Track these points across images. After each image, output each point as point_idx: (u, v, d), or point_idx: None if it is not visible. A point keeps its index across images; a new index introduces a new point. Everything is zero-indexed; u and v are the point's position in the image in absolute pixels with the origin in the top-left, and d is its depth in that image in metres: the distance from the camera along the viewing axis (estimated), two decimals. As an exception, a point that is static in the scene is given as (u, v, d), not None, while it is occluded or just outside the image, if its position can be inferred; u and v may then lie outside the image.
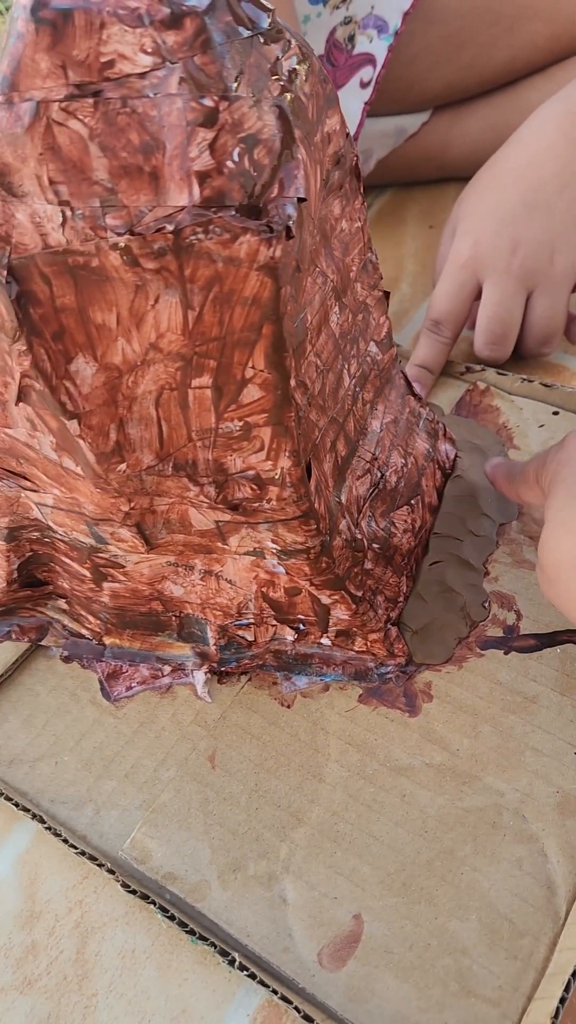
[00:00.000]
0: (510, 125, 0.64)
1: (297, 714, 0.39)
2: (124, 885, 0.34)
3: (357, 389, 0.38)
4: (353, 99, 0.60)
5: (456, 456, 0.47)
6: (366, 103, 0.60)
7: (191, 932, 0.33)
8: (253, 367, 0.29)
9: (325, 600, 0.37)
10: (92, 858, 0.35)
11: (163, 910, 0.33)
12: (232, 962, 0.32)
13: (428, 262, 0.65)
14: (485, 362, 0.53)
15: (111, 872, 0.35)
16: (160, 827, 0.36)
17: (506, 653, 0.40)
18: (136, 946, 0.34)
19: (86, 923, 0.35)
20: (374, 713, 0.38)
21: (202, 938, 0.33)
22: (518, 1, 0.62)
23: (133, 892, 0.34)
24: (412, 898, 0.33)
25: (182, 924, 0.33)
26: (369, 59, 0.60)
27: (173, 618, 0.40)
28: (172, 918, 0.33)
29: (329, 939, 0.33)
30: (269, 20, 0.28)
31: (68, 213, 0.26)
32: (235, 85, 0.26)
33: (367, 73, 0.60)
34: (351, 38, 0.59)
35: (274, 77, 0.28)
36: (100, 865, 0.35)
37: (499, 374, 0.51)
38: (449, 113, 0.68)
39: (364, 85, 0.60)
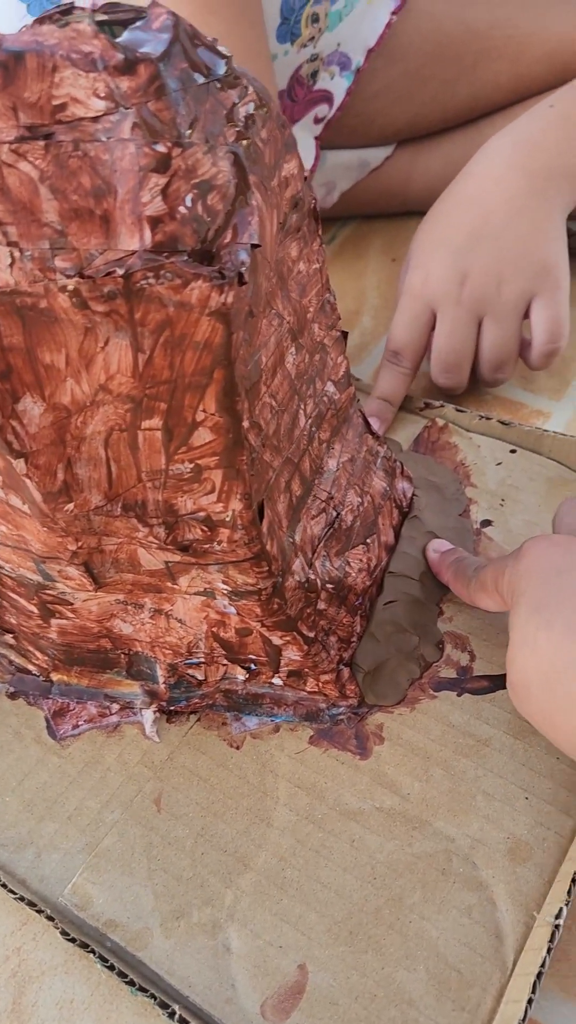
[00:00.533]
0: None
1: (246, 756, 0.38)
2: (63, 933, 0.33)
3: (313, 429, 0.38)
4: (307, 133, 0.60)
5: (414, 494, 0.47)
6: (317, 138, 0.60)
7: (131, 983, 0.32)
8: (204, 410, 0.29)
9: (276, 641, 0.37)
10: (31, 904, 0.34)
11: (103, 959, 0.33)
12: (172, 1015, 0.31)
13: (390, 295, 0.65)
14: (443, 390, 0.53)
15: (51, 919, 0.34)
16: (102, 872, 0.35)
17: (459, 695, 0.40)
18: (75, 996, 0.33)
19: (23, 972, 0.34)
20: (324, 755, 0.38)
21: (142, 989, 0.32)
22: (481, 41, 0.63)
23: (72, 940, 0.33)
24: (359, 947, 0.33)
25: (122, 974, 0.32)
26: (326, 96, 0.61)
27: (122, 656, 0.40)
28: (112, 968, 0.32)
29: (273, 990, 0.32)
30: (226, 66, 0.28)
31: (16, 254, 0.26)
32: (189, 131, 0.26)
33: (323, 110, 0.61)
34: (314, 74, 0.59)
35: (230, 123, 0.27)
36: (39, 911, 0.34)
37: (457, 411, 0.52)
38: (412, 148, 0.69)
39: (318, 121, 0.61)
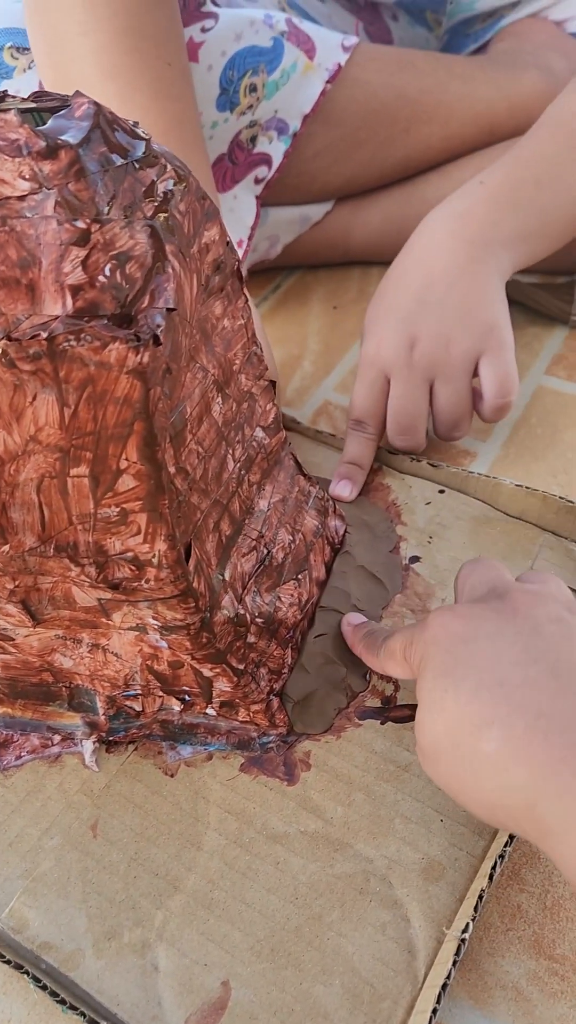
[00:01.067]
0: (407, 216, 0.70)
1: (180, 783, 0.40)
2: (-1, 956, 0.35)
3: (243, 472, 0.41)
4: (248, 193, 0.64)
5: (346, 532, 0.50)
6: (257, 197, 0.64)
7: (62, 1002, 0.34)
8: (127, 459, 0.31)
9: (207, 673, 0.39)
10: (-30, 929, 0.36)
11: (36, 980, 0.34)
12: (101, 1032, 0.33)
13: (331, 341, 0.69)
14: (402, 452, 0.55)
15: (-13, 943, 0.35)
16: (39, 896, 0.37)
17: (383, 723, 0.42)
18: (12, 1015, 0.35)
19: None
20: (254, 782, 0.40)
21: (73, 1007, 0.33)
22: (413, 106, 0.67)
23: (8, 962, 0.35)
24: (280, 963, 0.35)
25: (53, 994, 0.34)
26: (266, 159, 0.64)
27: (63, 689, 0.42)
28: (44, 988, 0.34)
29: (197, 1006, 0.34)
30: (145, 147, 0.31)
31: (-51, 318, 0.28)
32: (108, 208, 0.29)
33: (262, 171, 0.64)
34: (253, 139, 0.63)
35: (148, 199, 0.30)
36: (-23, 936, 0.36)
37: (390, 452, 0.55)
38: (351, 204, 0.73)
39: (259, 181, 0.64)
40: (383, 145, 0.68)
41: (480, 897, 0.35)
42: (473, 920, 0.34)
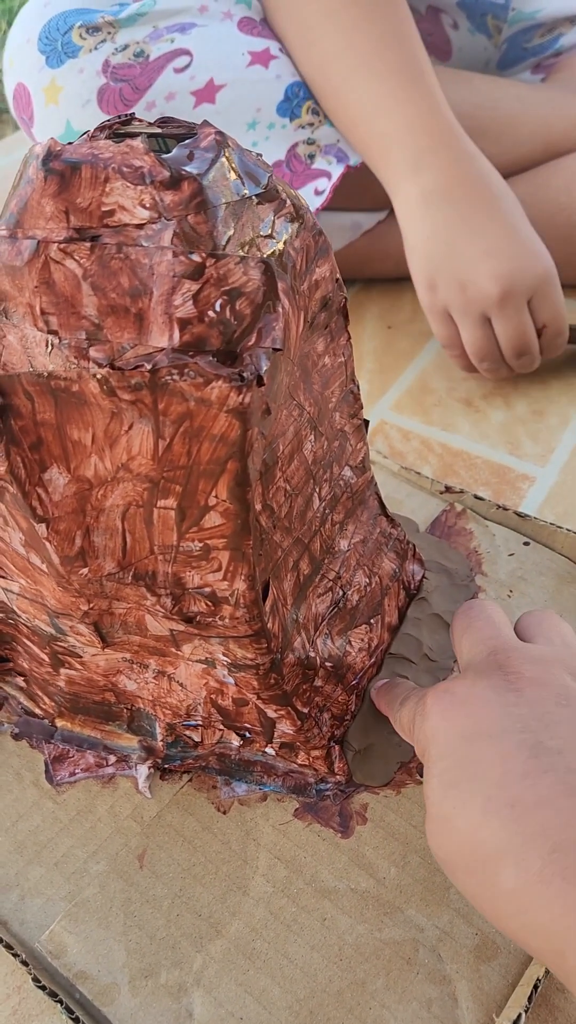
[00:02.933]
0: None
1: (232, 821, 0.39)
2: (35, 979, 0.34)
3: (327, 511, 0.40)
4: (308, 202, 0.64)
5: (423, 577, 0.48)
6: (317, 208, 0.65)
7: (93, 1038, 0.33)
8: (216, 496, 0.30)
9: (271, 713, 0.38)
10: (8, 946, 0.36)
11: (69, 1011, 0.34)
12: (129, 1074, 0.32)
13: (385, 361, 0.68)
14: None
15: (24, 963, 0.35)
16: (80, 922, 0.36)
17: (445, 783, 0.40)
18: None
19: (23, 1010, 0.35)
20: (307, 829, 0.39)
21: (104, 1045, 0.33)
22: (467, 120, 0.67)
23: (43, 988, 0.34)
24: (318, 1028, 0.33)
25: (85, 1028, 0.33)
26: (324, 173, 0.65)
27: (124, 710, 0.41)
28: (76, 1020, 0.33)
29: (229, 1061, 0.33)
30: (266, 183, 0.30)
31: (55, 341, 0.28)
32: (225, 242, 0.28)
33: (322, 183, 0.65)
34: (311, 156, 0.64)
35: (265, 235, 0.30)
36: (15, 955, 0.35)
37: (476, 498, 0.53)
38: None
39: (318, 193, 0.65)
40: None
41: (535, 987, 0.33)
42: (526, 1011, 0.32)
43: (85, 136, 0.29)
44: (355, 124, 0.61)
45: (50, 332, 0.28)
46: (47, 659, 0.40)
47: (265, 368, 0.28)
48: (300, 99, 0.62)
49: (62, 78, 0.60)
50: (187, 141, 0.29)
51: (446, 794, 0.29)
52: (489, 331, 0.59)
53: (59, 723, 0.43)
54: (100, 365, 0.28)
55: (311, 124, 0.63)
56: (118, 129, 0.30)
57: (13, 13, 1.40)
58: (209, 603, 0.34)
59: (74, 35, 0.59)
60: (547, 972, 0.33)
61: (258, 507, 0.33)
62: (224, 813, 0.40)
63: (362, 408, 0.41)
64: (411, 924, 0.36)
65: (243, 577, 0.33)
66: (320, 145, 0.64)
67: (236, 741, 0.40)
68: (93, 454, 0.30)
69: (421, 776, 0.40)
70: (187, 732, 0.41)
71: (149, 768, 0.41)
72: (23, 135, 1.08)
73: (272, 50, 0.62)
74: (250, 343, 0.28)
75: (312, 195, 0.65)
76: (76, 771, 0.42)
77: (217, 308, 0.28)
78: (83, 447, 0.30)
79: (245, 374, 0.28)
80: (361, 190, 0.68)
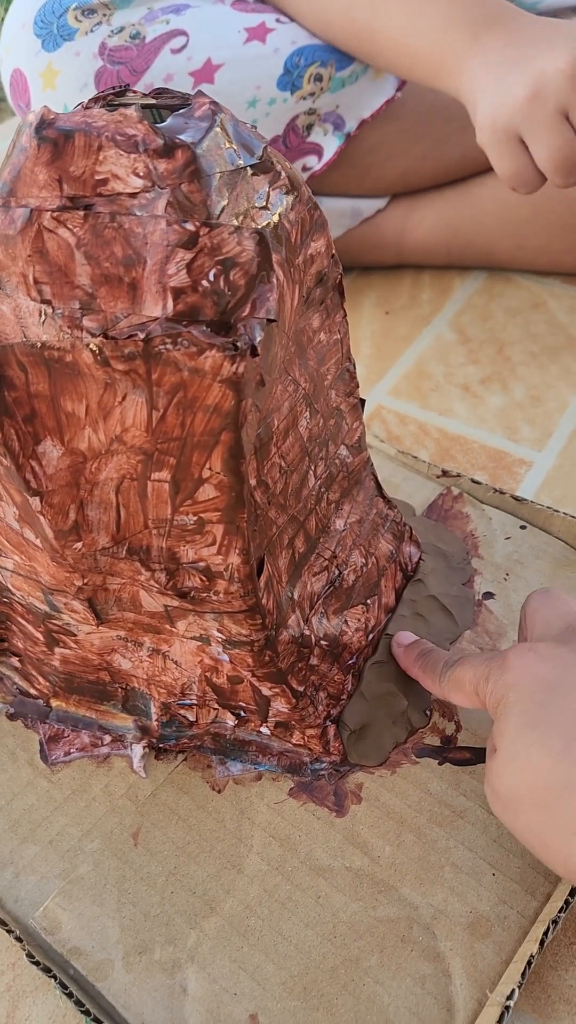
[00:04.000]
0: (461, 217, 0.70)
1: (226, 800, 0.39)
2: (29, 955, 0.34)
3: (322, 489, 0.40)
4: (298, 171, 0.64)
5: (420, 559, 0.48)
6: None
7: (86, 1012, 0.33)
8: (210, 468, 0.30)
9: (266, 691, 0.38)
10: (2, 923, 0.36)
11: (63, 986, 0.34)
12: (123, 1049, 0.32)
13: (384, 346, 0.68)
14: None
15: (19, 939, 0.35)
16: (74, 899, 0.36)
17: (440, 763, 0.40)
18: (68, 1011, 0.34)
19: (18, 987, 0.35)
20: (302, 808, 0.39)
21: (97, 1020, 0.33)
22: None
23: (37, 963, 0.34)
24: (311, 1004, 0.33)
25: (79, 1003, 0.33)
26: (316, 149, 0.65)
27: (119, 690, 0.41)
28: (70, 995, 0.33)
29: (223, 1036, 0.33)
30: (261, 153, 0.30)
31: (48, 311, 0.28)
32: (219, 212, 0.28)
33: (311, 161, 0.65)
34: (309, 127, 0.64)
35: (259, 206, 0.29)
36: (9, 931, 0.35)
37: (473, 481, 0.53)
38: (406, 203, 0.72)
39: (304, 170, 0.64)
40: (439, 142, 0.68)
41: (529, 963, 0.33)
42: (519, 987, 0.32)
43: (79, 106, 0.29)
44: (396, 44, 0.58)
45: (43, 302, 0.28)
46: (41, 638, 0.40)
47: (259, 338, 0.28)
48: (301, 69, 0.62)
49: (59, 62, 0.60)
50: (181, 111, 0.29)
51: (524, 733, 0.31)
52: (567, 130, 0.52)
53: (54, 703, 0.43)
54: (94, 335, 0.28)
55: (312, 94, 0.62)
56: (112, 100, 0.30)
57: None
58: (203, 578, 0.34)
59: (69, 17, 0.59)
60: (541, 948, 0.33)
61: (252, 482, 0.33)
62: (219, 792, 0.40)
63: (358, 387, 0.41)
64: (405, 902, 0.36)
65: (237, 551, 0.33)
66: (319, 114, 0.64)
67: (231, 720, 0.40)
68: (87, 426, 0.30)
69: (416, 756, 0.40)
70: (182, 711, 0.41)
71: (144, 748, 0.41)
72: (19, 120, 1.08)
73: (268, 23, 0.62)
74: (244, 313, 0.28)
75: (299, 171, 0.65)
76: (71, 751, 0.42)
77: (211, 278, 0.28)
78: (77, 419, 0.30)
79: (239, 344, 0.28)
80: (362, 172, 0.68)
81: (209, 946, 0.35)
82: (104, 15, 0.60)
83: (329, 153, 0.64)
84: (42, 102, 0.62)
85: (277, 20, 0.62)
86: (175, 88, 0.60)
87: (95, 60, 0.59)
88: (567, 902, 0.34)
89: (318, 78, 0.62)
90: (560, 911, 0.34)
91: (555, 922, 0.34)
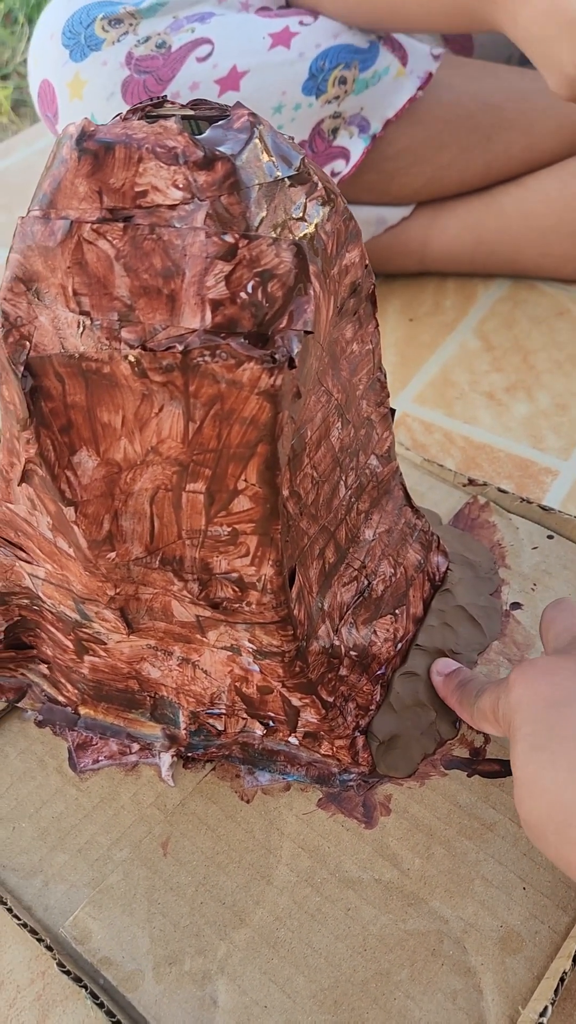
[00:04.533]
0: (485, 227, 0.70)
1: (255, 810, 0.39)
2: (60, 964, 0.34)
3: (353, 499, 0.40)
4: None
5: (447, 569, 0.48)
6: None
7: (117, 1023, 0.33)
8: (246, 480, 0.30)
9: (296, 702, 0.38)
10: (33, 931, 0.36)
11: (94, 996, 0.34)
12: (153, 1060, 0.32)
13: (407, 353, 0.68)
14: None
15: (49, 948, 0.35)
16: (104, 909, 0.36)
17: (469, 775, 0.40)
18: (97, 1021, 0.34)
19: (48, 996, 0.35)
20: (331, 820, 0.39)
21: (127, 1031, 0.33)
22: (497, 113, 0.67)
23: (67, 973, 0.34)
24: (342, 1018, 0.33)
25: (109, 1014, 0.33)
26: (344, 153, 0.65)
27: (148, 698, 0.41)
28: (101, 1006, 0.33)
29: (253, 1049, 0.33)
30: (298, 165, 0.30)
31: (87, 322, 0.28)
32: (257, 224, 0.28)
33: (339, 165, 0.65)
34: (335, 130, 0.64)
35: (296, 217, 0.29)
36: (40, 940, 0.35)
37: (500, 491, 0.53)
38: (430, 211, 0.72)
39: (334, 175, 0.65)
40: (464, 150, 0.68)
41: (562, 979, 0.33)
42: (552, 1004, 0.32)
43: (118, 118, 0.29)
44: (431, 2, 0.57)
45: (82, 313, 0.28)
46: (71, 646, 0.40)
47: (296, 351, 0.28)
48: (325, 72, 0.62)
49: (86, 72, 0.60)
50: (220, 122, 0.29)
51: (533, 757, 0.30)
52: None
53: (82, 711, 0.43)
54: (132, 346, 0.28)
55: (337, 97, 0.63)
56: (150, 112, 0.30)
57: (34, 7, 1.41)
58: (236, 589, 0.34)
59: (96, 28, 0.60)
60: (574, 965, 0.33)
61: (285, 493, 0.33)
62: (247, 802, 0.40)
63: (388, 396, 0.41)
64: (435, 915, 0.36)
65: (271, 563, 0.33)
66: (345, 117, 0.64)
67: (259, 730, 0.40)
68: (123, 437, 0.30)
69: (445, 768, 0.40)
70: (210, 720, 0.41)
71: (172, 756, 0.41)
72: (42, 127, 1.09)
73: (292, 27, 0.62)
74: (281, 325, 0.28)
75: (329, 176, 0.65)
76: (99, 758, 0.42)
77: (249, 290, 0.28)
78: (113, 430, 0.30)
79: (277, 356, 0.27)
80: (387, 179, 0.68)
81: (239, 958, 0.35)
82: (131, 25, 0.60)
83: (356, 156, 0.64)
84: (69, 112, 0.62)
85: (300, 23, 0.62)
86: (200, 95, 0.61)
87: (122, 69, 0.59)
88: (600, 918, 0.34)
89: (342, 81, 0.62)
90: (593, 927, 0.34)
91: (588, 938, 0.34)
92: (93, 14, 0.60)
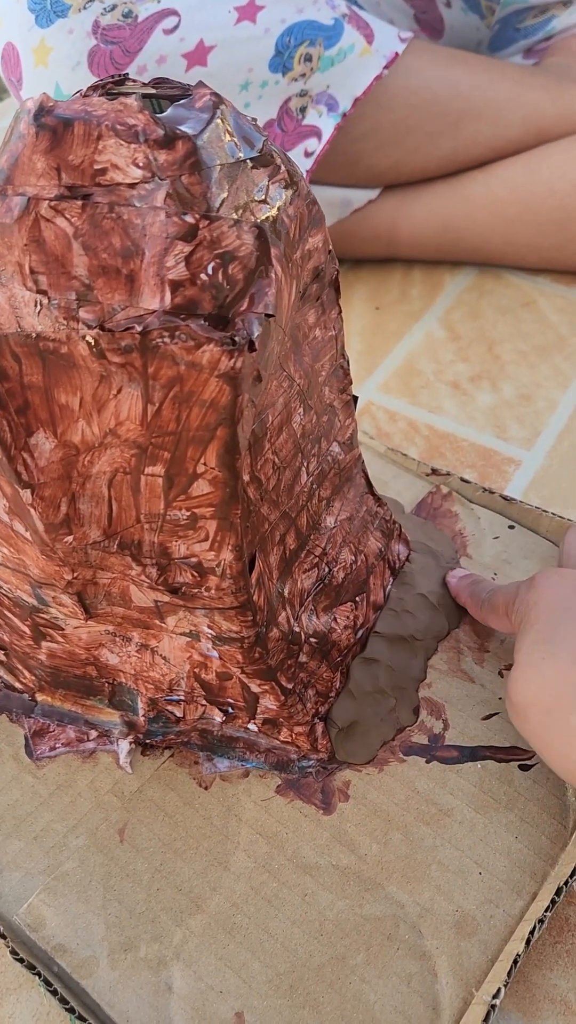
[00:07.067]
0: (452, 214, 0.70)
1: (213, 797, 0.39)
2: (13, 952, 0.34)
3: (314, 486, 0.40)
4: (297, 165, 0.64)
5: (408, 557, 0.48)
6: (308, 171, 0.64)
7: (71, 1010, 0.33)
8: (205, 464, 0.30)
9: (255, 688, 0.38)
10: (-14, 919, 0.35)
11: (47, 983, 0.33)
12: (107, 1046, 0.32)
13: (373, 341, 0.68)
14: None
15: (2, 936, 0.35)
16: (59, 896, 0.36)
17: (428, 762, 0.40)
18: (51, 1008, 0.34)
19: (1, 984, 0.35)
20: (289, 806, 0.39)
21: (81, 1018, 0.32)
22: (464, 100, 0.67)
23: (21, 960, 0.34)
24: (297, 1002, 0.33)
25: (63, 1001, 0.33)
26: (315, 131, 0.64)
27: (106, 684, 0.41)
28: (55, 993, 0.33)
29: (208, 1034, 0.33)
30: (260, 146, 0.30)
31: (44, 301, 0.27)
32: (218, 205, 0.28)
33: (312, 144, 0.64)
34: (303, 109, 0.63)
35: (259, 200, 0.29)
36: (-7, 928, 0.35)
37: (462, 480, 0.53)
38: (397, 195, 0.72)
39: (308, 155, 0.64)
40: (431, 136, 0.68)
41: (515, 962, 0.33)
42: (505, 985, 0.32)
43: (78, 94, 0.28)
44: None
45: (39, 292, 0.27)
46: (28, 632, 0.40)
47: (257, 334, 0.28)
48: (291, 49, 0.61)
49: (51, 38, 0.59)
50: (182, 101, 0.28)
51: (539, 646, 0.34)
52: None
53: (39, 697, 0.42)
54: (90, 326, 0.27)
55: (303, 75, 0.62)
56: (111, 89, 0.30)
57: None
58: (195, 574, 0.33)
59: None
60: (527, 947, 0.33)
61: (246, 478, 0.32)
62: (206, 789, 0.40)
63: (351, 383, 0.41)
64: (392, 900, 0.36)
65: (230, 547, 0.32)
66: (312, 95, 0.63)
67: (219, 717, 0.40)
68: (81, 419, 0.30)
69: (404, 755, 0.40)
70: (169, 707, 0.40)
71: (130, 743, 0.41)
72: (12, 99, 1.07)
73: (257, 0, 0.61)
74: (242, 308, 0.28)
75: (302, 157, 0.65)
76: (56, 746, 0.41)
77: (209, 271, 0.27)
78: (71, 411, 0.30)
79: (237, 338, 0.27)
80: (354, 160, 0.68)
81: (195, 943, 0.35)
82: None
83: (327, 133, 0.64)
84: (34, 79, 0.61)
85: None
86: (168, 68, 0.60)
87: (88, 39, 0.58)
88: (553, 901, 0.35)
89: (308, 58, 0.62)
90: (546, 910, 0.34)
91: (541, 921, 0.34)
92: None
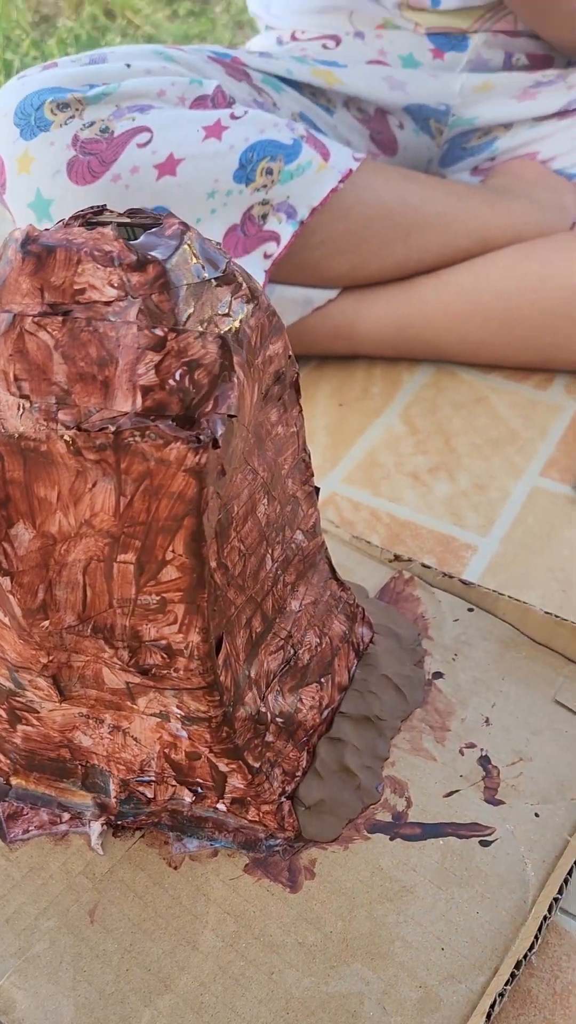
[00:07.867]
0: (408, 314, 0.76)
1: (183, 877, 0.40)
2: (-18, 1036, 0.34)
3: (279, 572, 0.42)
4: (257, 266, 0.70)
5: (372, 640, 0.50)
6: (266, 271, 0.70)
7: None
8: (173, 551, 0.32)
9: (223, 767, 0.40)
10: (-44, 1004, 0.36)
11: (16, 1067, 0.34)
12: None
13: (337, 437, 0.72)
14: None
15: (-28, 1021, 0.35)
16: (29, 978, 0.37)
17: (391, 839, 0.41)
18: None
19: None
20: (257, 884, 0.40)
21: None
22: (415, 213, 0.74)
23: (-10, 1045, 0.34)
24: None
25: None
26: (275, 236, 0.70)
27: (79, 767, 0.42)
28: (23, 1077, 0.33)
29: None
30: (224, 267, 0.33)
31: (26, 405, 0.30)
32: (185, 319, 0.31)
33: (271, 247, 0.70)
34: (264, 216, 0.69)
35: (222, 313, 0.33)
36: (-37, 1012, 0.35)
37: (424, 566, 0.56)
38: (355, 296, 0.77)
39: (267, 257, 0.70)
40: (385, 244, 0.74)
41: (476, 1035, 0.34)
42: (467, 1059, 0.33)
43: (60, 224, 0.32)
44: None
45: (22, 397, 0.30)
46: (4, 715, 0.41)
47: (220, 432, 0.31)
48: (254, 163, 0.67)
49: (34, 149, 0.64)
50: (153, 229, 0.32)
51: None
52: None
53: (14, 781, 0.43)
54: (68, 427, 0.30)
55: (264, 186, 0.68)
56: (91, 219, 0.33)
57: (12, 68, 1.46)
58: (164, 655, 0.35)
59: (46, 110, 0.64)
60: (488, 1021, 0.34)
61: (213, 564, 0.35)
62: (175, 869, 0.41)
63: (313, 476, 0.44)
64: (357, 977, 0.37)
65: (197, 630, 0.34)
66: (272, 204, 0.69)
67: (188, 797, 0.41)
68: (58, 510, 0.32)
69: (368, 832, 0.42)
70: (140, 788, 0.42)
71: (102, 825, 0.42)
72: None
73: (223, 120, 0.68)
74: (207, 409, 0.31)
75: (262, 258, 0.70)
76: (30, 828, 0.42)
77: (177, 377, 0.30)
78: (49, 504, 0.32)
79: (202, 437, 0.30)
80: (313, 264, 0.73)
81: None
82: (77, 110, 0.65)
83: (286, 239, 0.69)
84: (17, 184, 0.66)
85: (232, 116, 0.68)
86: (141, 177, 0.65)
87: (68, 150, 0.64)
88: (512, 975, 0.36)
89: (269, 171, 0.68)
90: (506, 984, 0.35)
91: (501, 995, 0.35)
92: (43, 98, 0.65)
